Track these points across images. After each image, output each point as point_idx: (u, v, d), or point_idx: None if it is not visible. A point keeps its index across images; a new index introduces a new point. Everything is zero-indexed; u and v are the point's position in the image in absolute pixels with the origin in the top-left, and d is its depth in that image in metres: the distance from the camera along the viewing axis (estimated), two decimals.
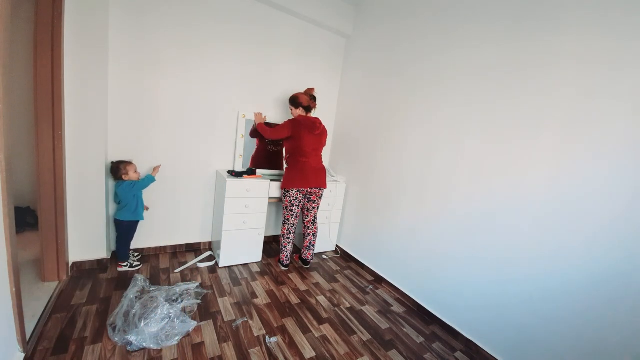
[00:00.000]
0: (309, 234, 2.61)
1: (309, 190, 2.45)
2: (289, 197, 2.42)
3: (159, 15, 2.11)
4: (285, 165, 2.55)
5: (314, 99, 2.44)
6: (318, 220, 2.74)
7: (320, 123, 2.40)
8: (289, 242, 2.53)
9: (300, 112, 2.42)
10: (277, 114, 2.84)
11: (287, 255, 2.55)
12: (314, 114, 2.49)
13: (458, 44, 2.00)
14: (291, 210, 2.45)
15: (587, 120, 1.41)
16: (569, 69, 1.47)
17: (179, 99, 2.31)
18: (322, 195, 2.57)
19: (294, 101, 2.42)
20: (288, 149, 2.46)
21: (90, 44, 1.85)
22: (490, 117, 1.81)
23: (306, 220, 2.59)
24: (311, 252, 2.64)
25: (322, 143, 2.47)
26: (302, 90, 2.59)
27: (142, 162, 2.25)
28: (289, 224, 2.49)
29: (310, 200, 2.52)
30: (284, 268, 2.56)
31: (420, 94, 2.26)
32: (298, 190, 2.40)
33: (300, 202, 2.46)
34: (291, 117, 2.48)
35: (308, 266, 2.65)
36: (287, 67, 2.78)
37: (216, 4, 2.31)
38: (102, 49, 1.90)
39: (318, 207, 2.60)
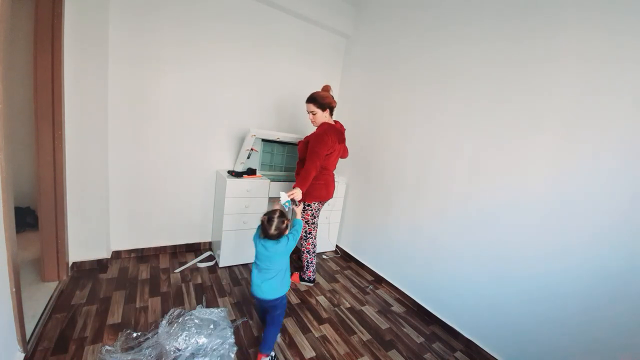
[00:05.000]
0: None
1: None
2: (311, 210, 2.24)
3: (159, 15, 2.10)
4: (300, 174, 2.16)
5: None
6: (318, 221, 2.52)
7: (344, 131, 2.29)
8: (315, 257, 2.36)
9: (326, 114, 2.10)
10: (277, 115, 2.84)
11: (314, 269, 2.36)
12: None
13: (458, 42, 2.00)
14: (314, 223, 2.30)
15: (587, 120, 1.41)
16: (570, 67, 1.47)
17: (179, 98, 2.30)
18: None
19: (321, 101, 2.03)
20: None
21: (90, 43, 1.85)
22: (491, 115, 1.80)
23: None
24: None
25: (345, 151, 2.35)
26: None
27: (142, 161, 2.25)
28: (311, 237, 2.31)
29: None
30: (310, 284, 2.37)
31: (421, 93, 2.26)
32: (320, 202, 2.28)
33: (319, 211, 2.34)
34: (309, 120, 2.24)
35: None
36: (287, 67, 2.77)
37: (216, 4, 2.30)
38: (102, 48, 1.90)
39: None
